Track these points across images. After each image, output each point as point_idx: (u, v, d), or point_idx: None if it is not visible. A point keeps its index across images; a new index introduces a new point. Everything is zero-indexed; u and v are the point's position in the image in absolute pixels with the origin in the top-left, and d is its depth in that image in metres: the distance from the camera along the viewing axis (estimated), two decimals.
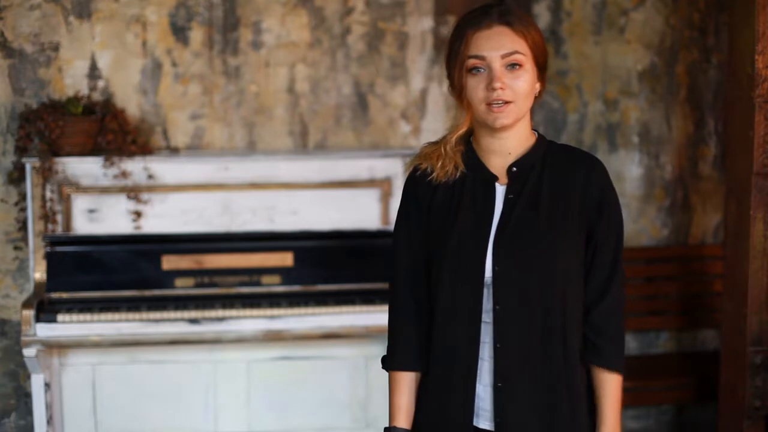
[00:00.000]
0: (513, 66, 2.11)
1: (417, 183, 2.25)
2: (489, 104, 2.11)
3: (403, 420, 2.26)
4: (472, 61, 2.12)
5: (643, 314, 4.45)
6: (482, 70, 2.12)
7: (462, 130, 2.21)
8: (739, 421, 3.59)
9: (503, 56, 2.11)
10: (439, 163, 2.22)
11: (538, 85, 2.18)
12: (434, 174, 2.22)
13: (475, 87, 2.13)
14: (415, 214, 2.25)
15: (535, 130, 2.25)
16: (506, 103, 2.11)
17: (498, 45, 2.11)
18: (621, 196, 2.26)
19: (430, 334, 2.23)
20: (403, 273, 2.26)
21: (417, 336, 2.25)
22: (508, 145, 2.19)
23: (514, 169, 2.19)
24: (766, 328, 3.54)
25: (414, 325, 2.26)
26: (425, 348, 2.24)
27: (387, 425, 2.29)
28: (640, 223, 4.52)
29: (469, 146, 2.23)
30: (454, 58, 2.15)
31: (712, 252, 4.50)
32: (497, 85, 2.10)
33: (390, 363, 2.29)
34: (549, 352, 2.15)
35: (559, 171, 2.19)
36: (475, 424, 2.20)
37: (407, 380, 2.27)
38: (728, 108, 3.80)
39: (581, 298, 2.19)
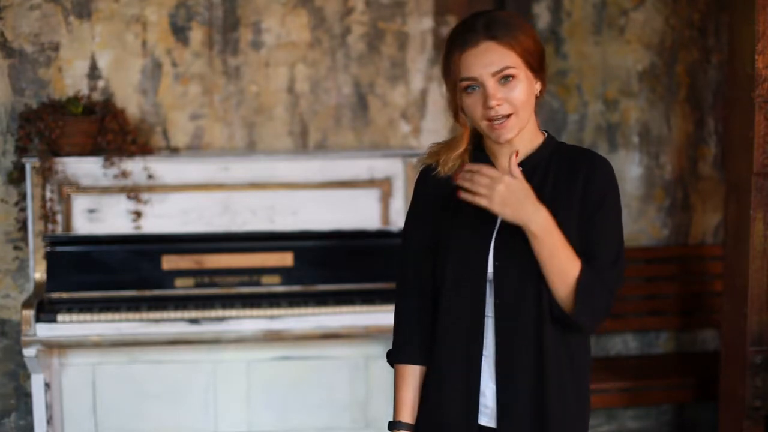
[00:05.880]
0: (506, 78, 2.11)
1: (427, 180, 2.28)
2: (490, 120, 2.12)
3: (408, 415, 2.27)
4: (464, 83, 2.13)
5: (643, 314, 4.45)
6: (477, 88, 2.13)
7: (461, 149, 2.22)
8: (739, 421, 3.59)
9: (494, 74, 2.11)
10: (443, 159, 2.24)
11: (538, 85, 2.19)
12: (439, 169, 2.23)
13: (473, 105, 2.14)
14: (423, 210, 2.28)
15: (544, 131, 2.27)
16: (506, 117, 2.12)
17: (487, 62, 2.11)
18: (621, 196, 2.25)
19: (435, 329, 2.25)
20: (411, 268, 2.28)
21: (423, 330, 2.26)
22: (515, 146, 2.21)
23: (520, 168, 2.20)
24: (766, 328, 3.53)
25: (420, 319, 2.27)
26: (430, 342, 2.25)
27: (391, 419, 2.29)
28: (640, 223, 4.52)
29: (478, 146, 2.25)
30: (447, 78, 2.18)
31: (712, 252, 4.50)
32: (492, 103, 2.11)
33: (396, 356, 2.30)
34: (547, 347, 2.16)
35: (564, 169, 2.21)
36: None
37: (412, 374, 2.28)
38: (728, 108, 3.80)
39: None
